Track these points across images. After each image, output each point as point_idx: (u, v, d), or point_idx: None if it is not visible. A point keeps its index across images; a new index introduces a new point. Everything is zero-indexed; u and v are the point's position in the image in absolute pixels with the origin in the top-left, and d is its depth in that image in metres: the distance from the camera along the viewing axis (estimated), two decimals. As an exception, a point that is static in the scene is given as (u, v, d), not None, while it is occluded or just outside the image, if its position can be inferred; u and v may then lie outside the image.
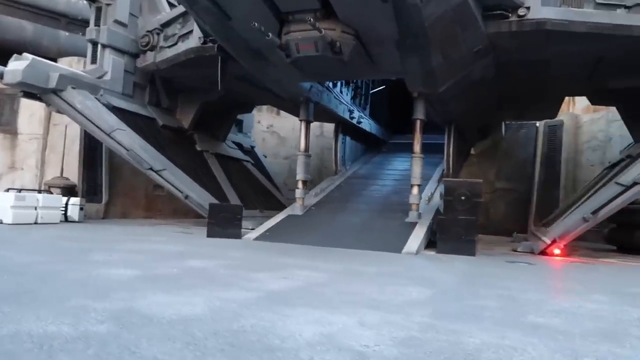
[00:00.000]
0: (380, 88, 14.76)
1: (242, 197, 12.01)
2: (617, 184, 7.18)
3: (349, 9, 6.27)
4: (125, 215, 13.02)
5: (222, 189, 11.75)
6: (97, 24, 10.64)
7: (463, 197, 7.43)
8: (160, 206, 14.46)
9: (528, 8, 7.12)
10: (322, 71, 7.81)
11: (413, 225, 8.17)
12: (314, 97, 9.79)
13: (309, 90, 9.48)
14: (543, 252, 8.09)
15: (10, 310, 2.54)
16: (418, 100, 8.72)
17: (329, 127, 18.55)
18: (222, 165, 12.80)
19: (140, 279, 3.75)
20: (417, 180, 8.60)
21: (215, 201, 10.67)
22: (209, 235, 7.90)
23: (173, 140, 11.78)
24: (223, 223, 8.01)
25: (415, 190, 8.55)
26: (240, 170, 13.79)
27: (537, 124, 16.08)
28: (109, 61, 10.54)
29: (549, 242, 8.03)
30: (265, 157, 16.06)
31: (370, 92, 13.95)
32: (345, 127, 11.71)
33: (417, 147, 8.75)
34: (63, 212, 9.90)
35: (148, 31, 10.61)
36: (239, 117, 15.25)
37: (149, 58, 10.62)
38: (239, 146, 14.79)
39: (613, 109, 14.61)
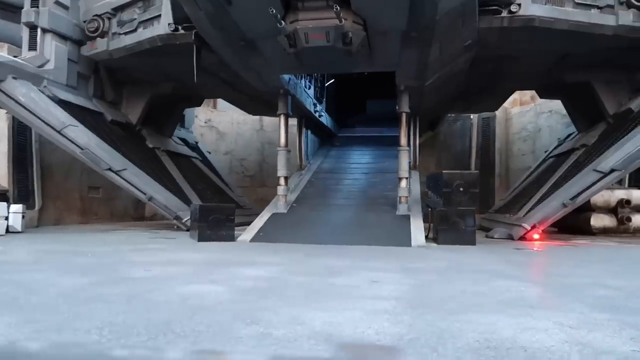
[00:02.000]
0: (332, 81, 14.66)
1: (201, 196, 11.29)
2: (596, 171, 7.77)
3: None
4: (59, 221, 11.65)
5: (182, 188, 10.93)
6: (34, 4, 9.29)
7: (461, 189, 7.58)
8: (97, 209, 13.21)
9: (519, 5, 7.41)
10: (323, 63, 7.51)
11: (406, 217, 8.20)
12: (292, 90, 9.42)
13: (288, 83, 9.09)
14: (522, 238, 8.55)
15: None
16: (403, 93, 8.74)
17: (269, 120, 18.16)
18: (175, 163, 11.92)
19: (239, 294, 3.28)
20: (405, 173, 8.64)
21: (178, 202, 9.94)
22: (201, 239, 7.27)
23: (123, 137, 10.71)
24: (215, 225, 7.42)
25: (403, 183, 8.59)
26: (192, 167, 12.96)
27: (472, 117, 17.02)
28: (52, 48, 9.26)
29: (529, 227, 8.50)
30: (210, 153, 15.26)
31: (326, 85, 13.80)
32: (308, 121, 11.45)
33: (403, 141, 8.79)
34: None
35: (97, 15, 9.47)
36: (179, 111, 14.31)
37: (100, 45, 9.50)
38: (185, 142, 13.88)
39: (540, 102, 15.94)
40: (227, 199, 12.97)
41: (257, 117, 17.79)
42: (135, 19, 8.97)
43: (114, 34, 9.37)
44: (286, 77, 8.97)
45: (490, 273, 4.51)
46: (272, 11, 5.80)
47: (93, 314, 2.61)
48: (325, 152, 12.90)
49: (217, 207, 7.65)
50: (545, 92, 11.87)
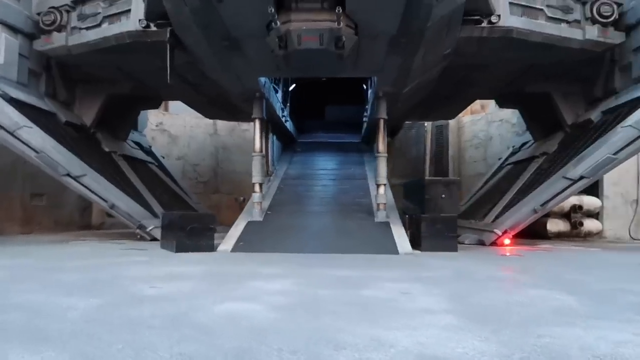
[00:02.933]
0: (293, 86, 14.47)
1: (162, 203, 10.69)
2: (565, 178, 8.12)
3: (362, 0, 5.95)
4: (-2, 232, 10.65)
5: (142, 194, 10.29)
6: (-21, -8, 8.39)
7: (443, 195, 7.66)
8: (40, 218, 12.22)
9: (499, 16, 7.61)
10: (310, 66, 7.29)
11: (385, 224, 8.17)
12: (266, 94, 9.14)
13: (263, 86, 8.80)
14: (493, 243, 8.77)
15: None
16: (381, 99, 8.72)
17: (223, 125, 17.68)
18: (133, 168, 11.22)
19: (283, 312, 3.01)
20: (383, 179, 8.62)
21: (141, 210, 9.37)
22: (179, 249, 6.82)
23: (78, 140, 9.92)
24: (194, 235, 7.00)
25: (382, 189, 8.56)
26: (149, 173, 12.26)
27: (426, 124, 17.44)
28: (1, 41, 8.39)
29: (500, 233, 8.73)
30: (164, 157, 14.54)
31: (289, 89, 13.59)
32: (274, 126, 11.19)
33: (381, 147, 8.75)
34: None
35: (53, 7, 8.70)
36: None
37: (57, 40, 8.72)
38: (140, 146, 13.13)
39: (491, 111, 16.62)
40: (187, 206, 12.40)
41: (211, 121, 17.24)
42: (99, 13, 8.32)
43: (73, 28, 8.65)
44: (262, 80, 8.69)
45: (507, 281, 4.53)
46: (271, 10, 5.56)
47: (151, 343, 2.28)
48: (289, 157, 12.67)
49: (196, 216, 7.24)
50: (504, 102, 12.35)
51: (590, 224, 11.42)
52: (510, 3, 7.68)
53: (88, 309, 3.03)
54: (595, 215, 11.69)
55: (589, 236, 11.57)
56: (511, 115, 15.56)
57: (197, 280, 4.36)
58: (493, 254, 7.42)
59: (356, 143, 14.62)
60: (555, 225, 11.25)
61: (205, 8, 6.12)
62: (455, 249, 7.45)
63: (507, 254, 7.35)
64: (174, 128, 16.98)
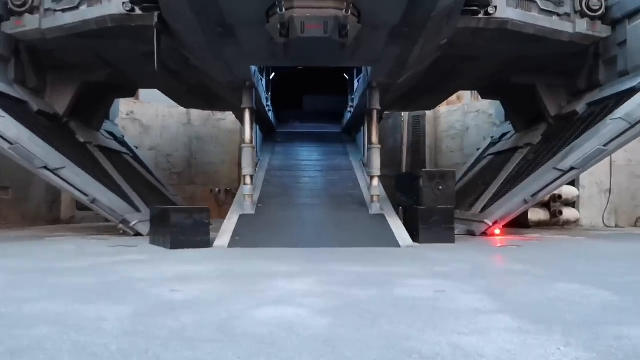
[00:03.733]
0: (273, 75, 14.14)
1: (141, 196, 10.25)
2: (556, 169, 8.23)
3: (367, -12, 5.76)
4: (-38, 227, 10.01)
5: (121, 187, 9.81)
6: (-59, -31, 7.69)
7: (440, 187, 7.62)
8: (6, 212, 11.55)
9: (495, 7, 7.58)
10: (309, 55, 7.05)
11: (381, 216, 8.07)
12: (256, 83, 8.82)
13: (254, 75, 8.49)
14: (484, 233, 8.85)
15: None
16: (374, 90, 8.57)
17: (197, 114, 17.16)
18: (109, 160, 10.69)
19: (330, 316, 2.82)
20: (377, 171, 8.50)
21: (122, 203, 8.95)
22: (174, 246, 6.50)
23: (51, 130, 9.32)
24: (188, 231, 6.69)
25: (375, 181, 8.45)
26: (125, 164, 11.72)
27: (402, 114, 17.44)
28: (-33, 23, 7.74)
29: (490, 223, 8.81)
30: (137, 148, 13.95)
31: (270, 78, 13.24)
32: (258, 116, 10.87)
33: (374, 138, 8.61)
34: None
35: (24, -13, 8.09)
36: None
37: (29, 23, 8.10)
38: (113, 136, 12.53)
39: (467, 102, 16.80)
40: (165, 199, 11.97)
41: (184, 110, 16.69)
42: (76, -6, 7.78)
43: (47, 10, 8.04)
44: (253, 68, 8.38)
45: (527, 275, 4.50)
46: (279, -6, 5.29)
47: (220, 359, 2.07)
48: (271, 148, 12.38)
49: (190, 209, 6.92)
50: (487, 93, 12.45)
51: (568, 213, 11.72)
52: (507, -6, 7.66)
53: (120, 319, 2.76)
54: (572, 204, 12.02)
55: (566, 224, 11.89)
56: (488, 106, 15.76)
57: (214, 281, 4.12)
58: (489, 244, 7.46)
59: (337, 133, 14.46)
60: (536, 214, 11.48)
61: (202, -8, 5.79)
62: (452, 241, 7.46)
63: (504, 244, 7.40)
64: (145, 117, 16.33)
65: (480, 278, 4.38)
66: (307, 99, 17.14)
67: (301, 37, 6.08)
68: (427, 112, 17.13)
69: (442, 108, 17.46)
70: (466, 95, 16.96)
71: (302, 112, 16.93)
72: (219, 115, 17.62)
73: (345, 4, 5.76)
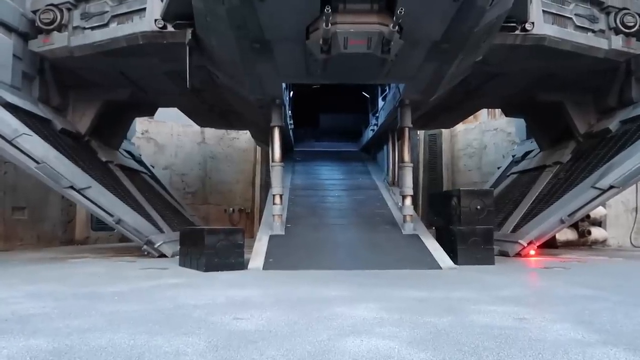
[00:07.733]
0: (291, 93, 14.02)
1: (162, 216, 10.04)
2: (595, 187, 8.01)
3: (413, 3, 5.61)
4: (-23, 250, 9.80)
5: (144, 207, 9.60)
6: (-31, -13, 7.62)
7: (478, 207, 7.39)
8: (22, 234, 11.36)
9: (532, 23, 7.45)
10: (347, 72, 6.89)
11: (415, 237, 7.84)
12: (285, 100, 8.68)
13: (284, 92, 8.34)
14: (518, 254, 8.58)
15: None
16: (405, 107, 8.42)
17: (211, 133, 17.02)
18: (130, 179, 10.50)
19: (430, 349, 2.59)
20: (410, 190, 8.31)
21: (146, 224, 8.73)
22: (208, 269, 6.27)
23: (76, 149, 9.16)
24: (222, 252, 6.46)
25: (408, 201, 8.24)
26: (144, 184, 11.53)
27: (418, 132, 17.30)
28: (-5, 40, 7.64)
29: (525, 244, 8.55)
30: (153, 167, 13.79)
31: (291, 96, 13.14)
32: (280, 134, 10.72)
33: (406, 157, 8.44)
34: None
35: (52, 5, 7.99)
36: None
37: (57, 40, 8.00)
38: (131, 155, 12.37)
39: (484, 120, 16.67)
40: (184, 219, 11.74)
41: (199, 129, 16.59)
42: (106, 11, 7.67)
43: (75, 28, 7.95)
44: (284, 85, 8.24)
45: (599, 300, 4.25)
46: (328, 10, 5.14)
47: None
48: (291, 167, 12.19)
49: (223, 230, 6.68)
50: (511, 110, 12.30)
51: (597, 233, 11.45)
52: (544, 11, 7.54)
53: (200, 353, 2.52)
54: (599, 223, 11.76)
55: (594, 244, 11.61)
56: (506, 124, 15.63)
57: (272, 308, 3.86)
58: (531, 266, 7.20)
59: (355, 152, 14.30)
60: (563, 234, 11.19)
61: (243, 7, 5.64)
62: (492, 262, 7.21)
63: (546, 266, 7.13)
64: (160, 136, 16.21)
65: (554, 304, 4.13)
66: (324, 117, 17.05)
67: (342, 53, 5.92)
68: (443, 130, 17.00)
69: (459, 126, 17.31)
70: (483, 113, 16.83)
71: (318, 130, 16.81)
72: (233, 134, 17.51)
73: (393, 19, 5.62)
